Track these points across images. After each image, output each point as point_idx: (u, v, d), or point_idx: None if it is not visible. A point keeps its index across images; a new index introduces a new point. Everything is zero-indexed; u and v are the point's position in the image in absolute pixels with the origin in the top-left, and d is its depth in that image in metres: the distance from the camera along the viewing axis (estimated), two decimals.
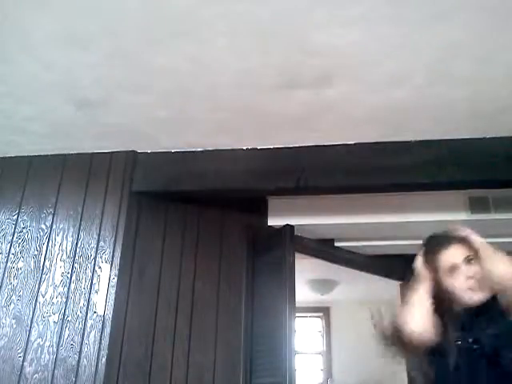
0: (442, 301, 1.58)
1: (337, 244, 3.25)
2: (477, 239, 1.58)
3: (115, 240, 2.36)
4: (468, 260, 1.56)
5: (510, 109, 2.10)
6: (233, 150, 2.48)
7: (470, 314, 1.53)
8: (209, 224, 2.74)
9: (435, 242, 1.66)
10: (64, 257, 2.38)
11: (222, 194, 2.62)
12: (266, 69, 1.89)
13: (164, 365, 2.35)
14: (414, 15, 1.60)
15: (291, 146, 2.43)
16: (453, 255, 1.58)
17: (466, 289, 1.53)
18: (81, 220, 2.44)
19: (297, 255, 2.73)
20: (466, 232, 1.60)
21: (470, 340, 1.48)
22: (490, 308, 1.51)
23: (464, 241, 1.59)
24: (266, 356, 2.55)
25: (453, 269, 1.56)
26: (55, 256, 2.38)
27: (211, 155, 2.50)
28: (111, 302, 2.24)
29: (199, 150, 2.51)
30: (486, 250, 1.55)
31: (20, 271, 2.38)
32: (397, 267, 3.66)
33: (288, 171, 2.41)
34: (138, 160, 2.55)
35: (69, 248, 2.39)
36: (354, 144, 2.39)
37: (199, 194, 2.62)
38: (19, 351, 2.21)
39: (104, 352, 2.15)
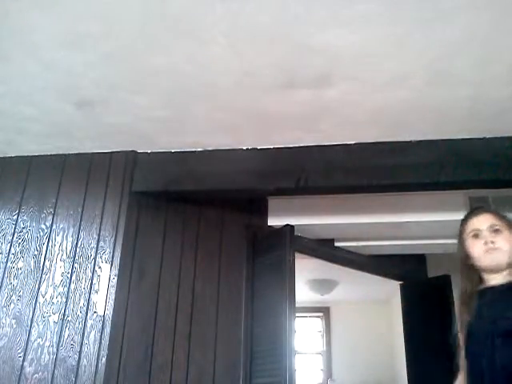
0: (471, 270, 1.65)
1: (337, 244, 3.25)
2: None
3: (115, 240, 2.36)
4: (493, 228, 1.61)
5: (510, 109, 2.10)
6: (233, 150, 2.48)
7: (493, 292, 1.57)
8: (209, 224, 2.74)
9: (471, 211, 1.76)
10: (64, 257, 2.38)
11: (221, 194, 2.62)
12: (266, 69, 1.89)
13: (164, 365, 2.35)
14: (414, 15, 1.60)
15: (291, 145, 2.43)
16: (479, 221, 1.66)
17: (484, 252, 1.59)
18: (81, 220, 2.44)
19: (297, 255, 2.73)
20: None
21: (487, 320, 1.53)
22: None
23: (498, 213, 1.67)
24: (266, 356, 2.56)
25: (475, 234, 1.64)
26: (55, 256, 2.38)
27: (211, 155, 2.50)
28: (111, 302, 2.24)
29: (199, 149, 2.51)
30: None
31: (20, 271, 2.38)
32: (397, 267, 3.67)
33: (288, 171, 2.41)
34: (138, 160, 2.55)
35: (69, 248, 2.39)
36: (354, 144, 2.39)
37: (199, 194, 2.62)
38: (19, 351, 2.21)
39: (104, 352, 2.15)
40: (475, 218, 1.68)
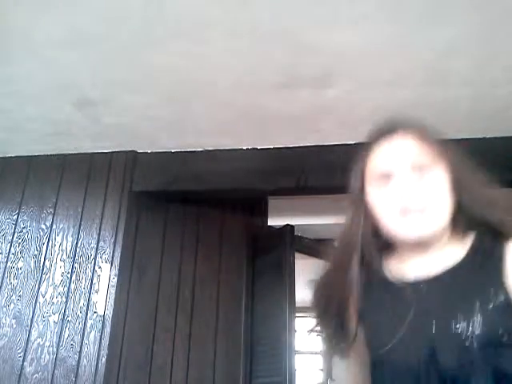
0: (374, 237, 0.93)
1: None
2: (439, 138, 0.99)
3: (115, 240, 2.36)
4: (417, 167, 0.90)
5: (510, 109, 2.10)
6: (233, 149, 2.48)
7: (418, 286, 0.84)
8: (209, 224, 2.74)
9: (381, 129, 1.00)
10: (64, 257, 2.38)
11: (221, 194, 2.62)
12: (266, 69, 1.88)
13: (164, 365, 2.35)
14: (414, 15, 1.60)
15: (291, 145, 2.43)
16: (393, 153, 0.93)
17: (399, 215, 0.87)
18: (81, 220, 2.44)
19: (297, 255, 2.73)
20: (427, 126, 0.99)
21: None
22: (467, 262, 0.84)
23: (426, 135, 0.98)
24: (266, 356, 2.55)
25: (385, 177, 0.92)
26: (55, 256, 2.38)
27: (211, 155, 2.50)
28: (111, 302, 2.24)
29: (199, 149, 2.51)
30: (453, 156, 0.95)
31: (20, 271, 2.38)
32: None
33: (288, 171, 2.41)
34: (138, 160, 2.55)
35: (69, 248, 2.39)
36: (354, 144, 2.39)
37: (199, 194, 2.62)
38: (19, 351, 2.21)
39: (104, 352, 2.15)
40: (387, 147, 0.94)
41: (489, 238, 0.84)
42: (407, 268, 0.90)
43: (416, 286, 0.85)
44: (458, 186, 0.90)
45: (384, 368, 0.85)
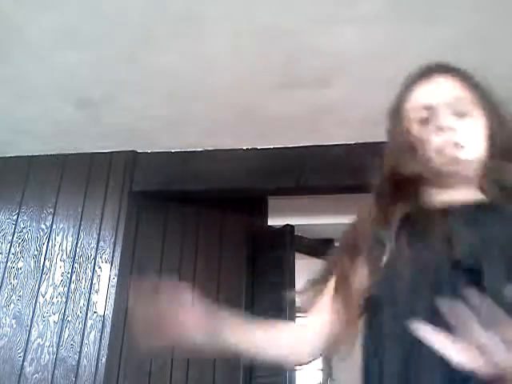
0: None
1: (337, 244, 3.24)
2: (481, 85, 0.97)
3: (115, 240, 2.36)
4: (456, 108, 0.91)
5: (509, 109, 2.10)
6: (233, 150, 2.48)
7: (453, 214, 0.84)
8: (209, 224, 2.73)
9: (417, 73, 1.03)
10: (64, 257, 2.38)
11: (221, 194, 2.62)
12: (266, 69, 1.89)
13: (164, 365, 2.35)
14: (413, 15, 1.60)
15: (291, 145, 2.43)
16: (432, 91, 0.94)
17: (435, 148, 0.88)
18: (81, 220, 2.44)
19: (297, 255, 2.73)
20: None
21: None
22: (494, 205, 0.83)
23: (468, 79, 0.99)
24: None
25: (424, 116, 0.92)
26: (55, 256, 2.38)
27: (211, 155, 2.50)
28: (111, 301, 2.24)
29: (199, 149, 2.51)
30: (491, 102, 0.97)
31: (20, 271, 2.38)
32: None
33: (288, 171, 2.41)
34: (138, 160, 2.55)
35: (69, 248, 2.39)
36: (354, 144, 2.39)
37: (199, 194, 2.62)
38: (19, 351, 2.21)
39: (104, 352, 2.15)
40: (427, 85, 0.97)
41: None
42: (438, 198, 0.91)
43: (444, 211, 0.85)
44: (492, 135, 0.91)
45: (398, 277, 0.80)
